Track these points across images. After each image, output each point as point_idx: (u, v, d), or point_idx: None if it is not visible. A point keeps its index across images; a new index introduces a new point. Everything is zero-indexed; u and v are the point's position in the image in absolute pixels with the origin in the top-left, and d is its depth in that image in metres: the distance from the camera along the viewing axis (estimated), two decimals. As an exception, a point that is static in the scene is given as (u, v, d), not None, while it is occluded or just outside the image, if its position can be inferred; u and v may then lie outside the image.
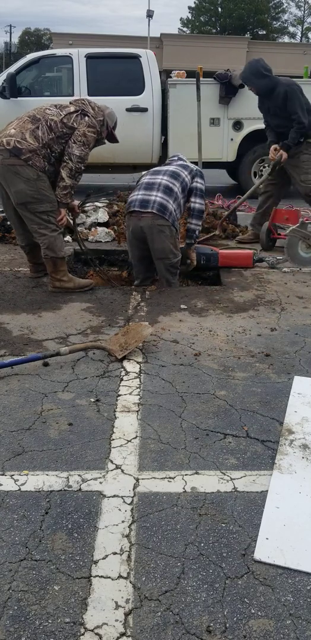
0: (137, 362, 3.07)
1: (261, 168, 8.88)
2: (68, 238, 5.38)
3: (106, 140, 4.32)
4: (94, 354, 3.16)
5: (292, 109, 5.09)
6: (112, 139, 4.33)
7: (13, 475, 2.14)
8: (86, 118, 4.03)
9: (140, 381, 2.87)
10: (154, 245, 4.21)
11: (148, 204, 4.15)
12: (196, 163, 6.49)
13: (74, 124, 3.99)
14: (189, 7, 50.38)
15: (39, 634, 1.51)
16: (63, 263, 4.17)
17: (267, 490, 2.07)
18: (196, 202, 4.39)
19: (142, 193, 4.21)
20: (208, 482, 2.11)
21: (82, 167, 4.04)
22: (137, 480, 2.12)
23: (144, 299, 4.06)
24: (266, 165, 8.85)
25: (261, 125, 8.51)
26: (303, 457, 2.27)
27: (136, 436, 2.40)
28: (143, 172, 4.57)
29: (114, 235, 5.70)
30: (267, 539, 1.84)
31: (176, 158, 4.58)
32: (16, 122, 4.03)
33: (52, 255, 4.08)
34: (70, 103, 4.21)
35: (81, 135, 3.97)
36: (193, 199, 4.39)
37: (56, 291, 4.14)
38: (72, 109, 4.07)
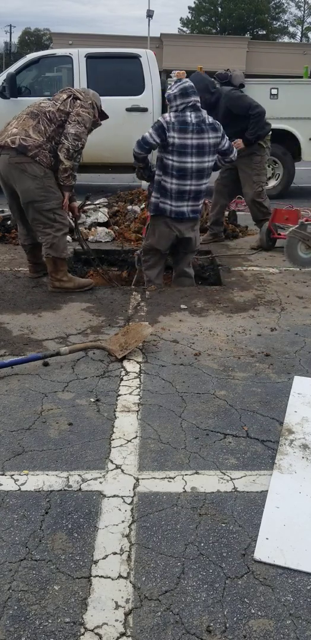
0: (137, 362, 3.07)
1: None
2: (68, 238, 5.38)
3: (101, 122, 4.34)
4: (94, 354, 3.16)
5: (245, 106, 5.14)
6: (103, 116, 4.36)
7: (13, 475, 2.14)
8: (78, 101, 4.08)
9: (140, 381, 2.87)
10: (190, 243, 4.32)
11: (196, 213, 4.23)
12: None
13: (70, 107, 4.03)
14: (189, 7, 50.41)
15: (39, 634, 1.51)
16: (64, 263, 4.17)
17: (267, 490, 2.07)
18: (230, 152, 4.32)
19: (192, 204, 4.13)
20: (208, 482, 2.11)
21: (80, 145, 3.98)
22: (137, 480, 2.12)
23: (144, 299, 4.06)
24: (266, 165, 8.85)
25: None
26: (303, 457, 2.28)
27: (136, 436, 2.40)
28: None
29: (114, 235, 5.71)
30: (267, 539, 1.84)
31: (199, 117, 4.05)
32: (16, 122, 4.04)
33: (54, 255, 4.08)
34: (60, 91, 4.26)
35: (75, 115, 3.98)
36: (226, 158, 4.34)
37: (55, 291, 4.14)
38: (64, 95, 4.11)
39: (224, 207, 5.81)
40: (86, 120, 4.01)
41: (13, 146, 3.86)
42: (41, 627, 1.52)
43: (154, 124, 4.05)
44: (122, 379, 2.89)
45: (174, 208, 4.10)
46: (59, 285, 4.14)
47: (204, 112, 4.08)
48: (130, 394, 2.75)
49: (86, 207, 6.01)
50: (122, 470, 2.17)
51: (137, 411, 2.60)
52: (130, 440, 2.37)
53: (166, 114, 4.04)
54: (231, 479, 2.13)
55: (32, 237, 4.33)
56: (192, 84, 4.11)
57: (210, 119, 4.10)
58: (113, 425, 2.48)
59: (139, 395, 2.74)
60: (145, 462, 2.22)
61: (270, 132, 5.46)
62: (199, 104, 4.09)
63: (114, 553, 1.78)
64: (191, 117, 3.98)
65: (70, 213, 4.53)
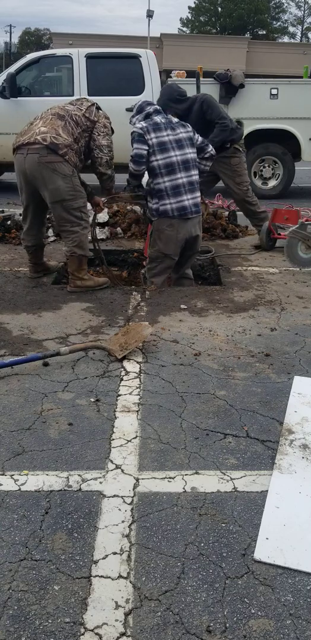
0: (137, 362, 3.07)
1: (261, 168, 8.89)
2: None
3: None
4: (94, 354, 3.16)
5: (213, 115, 5.13)
6: None
7: (13, 475, 2.14)
8: (101, 111, 4.22)
9: (140, 381, 2.87)
10: (198, 241, 4.36)
11: (198, 206, 4.23)
12: None
13: (95, 117, 4.13)
14: (189, 7, 50.44)
15: (39, 634, 1.51)
16: (86, 261, 4.20)
17: (267, 490, 2.07)
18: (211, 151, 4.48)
19: (191, 197, 4.15)
20: (208, 482, 2.11)
21: (112, 154, 4.22)
22: (137, 480, 2.12)
23: (144, 299, 4.06)
24: (266, 165, 8.87)
25: (261, 125, 8.62)
26: (303, 457, 2.28)
27: (136, 436, 2.40)
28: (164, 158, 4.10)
29: (108, 233, 5.74)
30: (267, 539, 1.84)
31: (168, 120, 4.25)
32: (41, 121, 4.04)
33: (81, 253, 4.10)
34: (75, 100, 4.34)
35: (102, 126, 4.14)
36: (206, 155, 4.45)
37: (76, 291, 4.13)
38: (88, 103, 4.20)
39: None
40: (109, 130, 4.22)
41: (45, 143, 3.87)
42: (41, 627, 1.52)
43: (132, 139, 4.13)
44: (122, 379, 2.89)
45: (174, 205, 4.10)
46: (81, 284, 4.14)
47: (169, 115, 4.30)
48: (130, 394, 2.75)
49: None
50: (122, 470, 2.17)
51: (137, 411, 2.60)
52: (130, 440, 2.37)
53: (137, 124, 4.16)
54: (231, 479, 2.13)
55: (38, 239, 4.37)
56: (146, 100, 4.42)
57: (176, 119, 4.33)
58: (113, 425, 2.48)
59: (139, 395, 2.74)
60: (145, 462, 2.22)
61: (243, 136, 5.43)
62: (160, 109, 4.32)
63: (114, 553, 1.78)
64: (159, 118, 4.20)
65: (93, 208, 4.60)
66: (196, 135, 4.36)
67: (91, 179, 4.52)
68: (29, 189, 4.08)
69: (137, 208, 6.13)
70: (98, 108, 4.22)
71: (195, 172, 4.24)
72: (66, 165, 3.92)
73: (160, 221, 4.16)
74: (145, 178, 4.34)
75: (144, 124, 4.12)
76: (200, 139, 4.38)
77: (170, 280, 4.61)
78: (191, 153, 4.21)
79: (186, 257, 4.40)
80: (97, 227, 5.73)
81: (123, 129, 5.45)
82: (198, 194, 4.26)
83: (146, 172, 4.21)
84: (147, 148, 4.07)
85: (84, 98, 4.40)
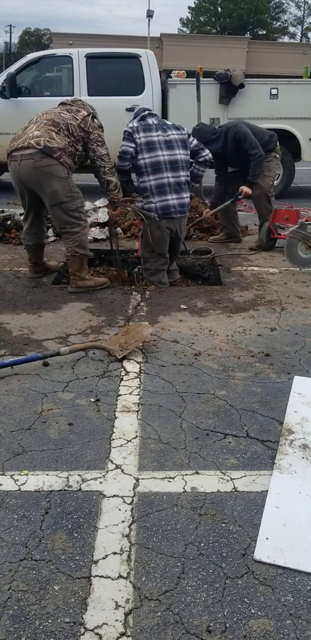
0: (137, 362, 3.07)
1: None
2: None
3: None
4: (94, 354, 3.16)
5: (246, 145, 5.17)
6: None
7: (13, 475, 2.14)
8: (96, 120, 4.22)
9: (140, 381, 2.87)
10: (180, 242, 4.48)
11: (184, 207, 4.28)
12: None
13: (90, 128, 4.13)
14: (189, 7, 50.45)
15: (39, 634, 1.51)
16: (87, 261, 4.22)
17: (267, 490, 2.07)
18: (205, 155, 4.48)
19: (176, 197, 4.20)
20: (208, 482, 2.11)
21: (112, 163, 4.26)
22: (137, 480, 2.12)
23: (144, 299, 4.06)
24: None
25: (261, 125, 8.58)
26: (303, 457, 2.28)
27: (136, 436, 2.40)
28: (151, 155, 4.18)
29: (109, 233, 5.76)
30: (267, 539, 1.84)
31: (162, 124, 4.33)
32: (35, 126, 4.04)
33: (82, 252, 4.12)
34: (71, 102, 4.32)
35: (97, 136, 4.16)
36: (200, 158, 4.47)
37: (77, 291, 4.14)
38: (84, 112, 4.18)
39: (227, 205, 5.66)
40: (103, 138, 4.23)
41: (38, 147, 3.87)
42: (41, 627, 1.52)
43: (123, 138, 4.23)
44: (122, 379, 2.89)
45: (158, 204, 4.16)
46: (82, 284, 4.16)
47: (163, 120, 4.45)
48: (130, 394, 2.75)
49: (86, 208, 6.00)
50: (122, 470, 2.17)
51: (137, 411, 2.60)
52: (130, 440, 2.37)
53: (130, 123, 4.27)
54: (231, 479, 2.13)
55: (38, 238, 4.39)
56: (142, 107, 4.47)
57: (170, 122, 4.41)
58: (113, 425, 2.48)
59: (139, 395, 2.74)
60: (145, 462, 2.23)
61: (278, 143, 5.46)
62: (154, 112, 4.44)
63: (114, 553, 1.78)
64: (152, 120, 4.29)
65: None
66: (191, 139, 4.41)
67: (91, 178, 4.52)
68: (28, 193, 4.11)
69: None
70: (93, 117, 4.20)
71: (185, 173, 4.27)
72: (61, 168, 3.93)
73: (149, 223, 4.21)
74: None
75: (136, 124, 4.21)
76: (195, 142, 4.42)
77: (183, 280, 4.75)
78: (181, 154, 4.25)
79: (170, 255, 4.44)
80: (98, 227, 5.75)
81: (123, 129, 5.50)
82: (185, 194, 4.28)
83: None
84: (134, 146, 4.16)
85: (81, 102, 4.35)
